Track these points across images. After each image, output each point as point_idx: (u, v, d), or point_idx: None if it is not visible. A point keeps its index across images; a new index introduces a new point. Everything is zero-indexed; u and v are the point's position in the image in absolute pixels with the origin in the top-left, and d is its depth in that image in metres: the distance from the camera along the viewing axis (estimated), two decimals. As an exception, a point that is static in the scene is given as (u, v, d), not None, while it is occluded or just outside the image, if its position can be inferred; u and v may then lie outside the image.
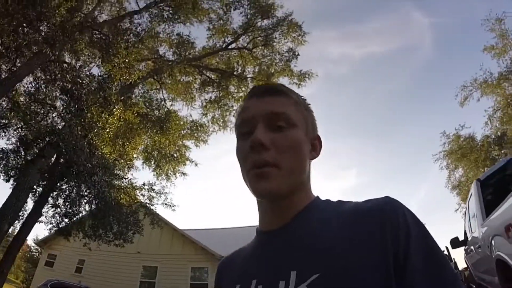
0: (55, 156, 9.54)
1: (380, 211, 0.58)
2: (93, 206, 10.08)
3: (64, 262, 17.14)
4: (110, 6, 11.97)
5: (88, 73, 8.58)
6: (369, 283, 0.51)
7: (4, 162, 10.40)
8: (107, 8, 11.85)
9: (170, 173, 12.86)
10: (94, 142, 8.45)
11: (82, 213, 11.26)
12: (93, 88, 8.14)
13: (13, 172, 10.80)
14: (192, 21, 12.20)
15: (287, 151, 0.65)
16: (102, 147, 8.85)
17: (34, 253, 32.18)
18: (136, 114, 9.73)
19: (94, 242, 10.48)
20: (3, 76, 8.19)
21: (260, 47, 12.76)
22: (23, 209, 9.30)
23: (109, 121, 8.55)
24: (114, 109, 8.59)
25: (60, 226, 11.09)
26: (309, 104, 0.77)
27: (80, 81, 7.84)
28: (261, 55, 12.97)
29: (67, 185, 10.48)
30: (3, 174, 10.67)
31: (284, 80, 12.99)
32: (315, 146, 0.74)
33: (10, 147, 10.21)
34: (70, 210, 11.05)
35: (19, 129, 9.06)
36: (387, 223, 0.56)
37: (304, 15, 26.78)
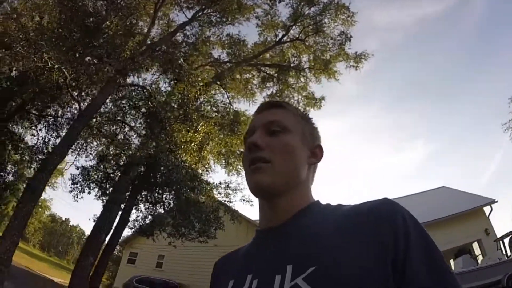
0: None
1: (378, 213, 0.61)
2: (173, 207, 11.34)
3: (145, 259, 19.21)
4: (158, 21, 12.86)
5: (164, 92, 9.53)
6: (367, 276, 0.53)
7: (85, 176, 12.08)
8: (160, 24, 12.81)
9: (240, 168, 13.52)
10: (180, 156, 9.37)
11: (162, 214, 12.71)
12: (174, 106, 9.17)
13: (94, 184, 12.47)
14: (240, 20, 12.74)
15: (280, 151, 0.73)
16: (187, 158, 9.85)
17: (114, 251, 35.61)
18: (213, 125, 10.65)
19: (178, 240, 11.76)
20: (82, 108, 9.50)
21: (311, 35, 12.91)
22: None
23: (191, 135, 9.50)
24: (196, 124, 9.57)
25: (142, 227, 12.61)
26: (311, 118, 0.86)
27: (160, 103, 8.75)
28: (314, 43, 13.14)
29: (149, 192, 11.89)
30: (86, 187, 12.39)
31: (341, 65, 13.12)
32: (315, 154, 0.81)
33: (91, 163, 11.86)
34: (152, 212, 12.55)
35: (116, 157, 10.59)
36: (386, 224, 0.59)
37: None
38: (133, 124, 11.18)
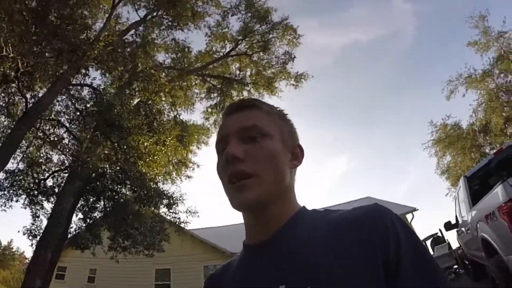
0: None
1: (368, 219, 0.62)
2: (110, 216, 11.04)
3: (75, 273, 18.01)
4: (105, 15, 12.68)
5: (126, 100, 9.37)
6: None
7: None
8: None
9: (175, 177, 13.65)
10: (141, 168, 9.22)
11: (96, 222, 12.27)
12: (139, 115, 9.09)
13: (21, 191, 11.71)
14: (190, 27, 13.08)
15: (263, 161, 0.69)
16: (148, 170, 9.66)
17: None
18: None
19: (120, 254, 11.44)
20: (28, 106, 8.95)
21: (258, 51, 13.79)
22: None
23: (159, 148, 9.40)
24: (163, 137, 9.49)
25: (77, 239, 12.09)
26: (286, 114, 0.82)
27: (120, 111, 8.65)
28: (259, 59, 14.05)
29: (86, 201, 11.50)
30: (14, 194, 11.58)
31: (282, 83, 14.13)
32: (296, 155, 0.78)
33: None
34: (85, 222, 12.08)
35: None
36: (376, 231, 0.60)
37: (282, 4, 27.74)
38: (75, 128, 10.82)
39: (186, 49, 12.83)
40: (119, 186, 9.89)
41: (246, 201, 0.68)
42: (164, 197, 10.31)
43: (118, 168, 9.50)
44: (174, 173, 13.30)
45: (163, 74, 9.89)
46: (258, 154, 0.70)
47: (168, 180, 13.37)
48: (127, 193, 9.98)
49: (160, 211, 11.28)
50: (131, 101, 9.88)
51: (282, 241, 0.69)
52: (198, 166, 14.42)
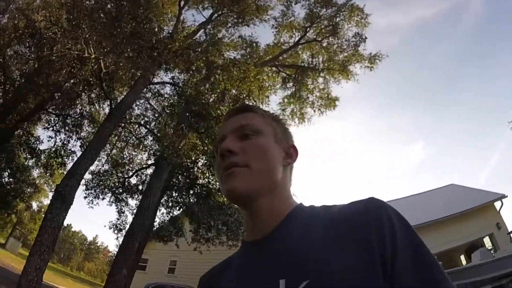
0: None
1: (364, 213, 0.63)
2: (196, 211, 11.59)
3: (156, 265, 19.32)
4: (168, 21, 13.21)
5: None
6: (360, 285, 0.55)
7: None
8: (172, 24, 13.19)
9: None
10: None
11: (178, 216, 12.94)
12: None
13: (107, 190, 12.66)
14: (255, 21, 13.26)
15: (255, 154, 0.73)
16: None
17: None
18: None
19: (203, 245, 12.00)
20: (113, 105, 9.66)
21: (327, 36, 13.51)
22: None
23: None
24: None
25: (160, 232, 12.87)
26: (281, 118, 0.90)
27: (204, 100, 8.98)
28: (330, 44, 13.77)
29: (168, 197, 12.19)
30: (100, 193, 12.56)
31: (356, 66, 13.71)
32: (290, 154, 0.82)
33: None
34: (169, 215, 12.79)
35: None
36: (372, 224, 0.60)
37: None
38: (155, 127, 11.49)
39: (254, 44, 12.94)
40: (208, 175, 10.26)
41: (234, 188, 0.70)
42: None
43: (206, 158, 9.83)
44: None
45: (236, 69, 9.99)
46: (251, 148, 0.74)
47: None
48: (215, 184, 10.31)
49: None
50: (215, 91, 10.17)
51: (281, 237, 0.70)
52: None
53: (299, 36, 13.78)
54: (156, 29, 9.54)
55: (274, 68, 14.18)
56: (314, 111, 14.18)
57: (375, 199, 0.66)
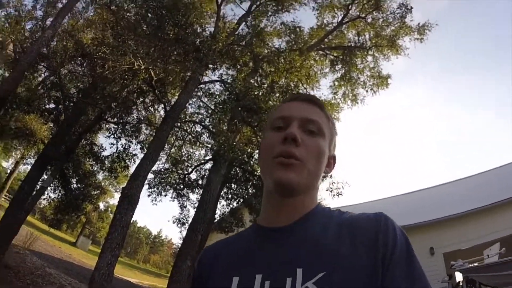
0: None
1: (374, 224, 0.72)
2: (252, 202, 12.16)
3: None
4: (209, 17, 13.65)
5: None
6: (367, 284, 0.64)
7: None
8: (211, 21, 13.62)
9: None
10: None
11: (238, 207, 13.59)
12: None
13: (169, 187, 13.58)
14: (295, 6, 13.32)
15: (312, 154, 0.79)
16: None
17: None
18: None
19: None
20: (167, 108, 10.39)
21: (371, 11, 13.30)
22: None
23: None
24: None
25: (221, 224, 13.63)
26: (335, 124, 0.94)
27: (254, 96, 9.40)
28: (374, 20, 13.55)
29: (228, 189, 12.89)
30: (162, 190, 13.52)
31: (405, 39, 13.43)
32: (330, 164, 0.89)
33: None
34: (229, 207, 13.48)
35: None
36: (380, 235, 0.70)
37: None
38: (209, 124, 12.24)
39: (298, 29, 13.05)
40: None
41: (290, 181, 0.76)
42: None
43: None
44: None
45: (282, 59, 10.24)
46: (312, 147, 0.80)
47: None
48: None
49: None
50: (263, 84, 10.52)
51: (301, 229, 0.77)
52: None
53: (342, 15, 13.67)
54: (199, 30, 10.09)
55: (321, 52, 14.21)
56: (367, 91, 14.05)
57: (384, 215, 0.75)
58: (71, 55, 11.05)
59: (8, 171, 29.05)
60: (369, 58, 13.84)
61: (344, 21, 13.62)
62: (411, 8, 13.02)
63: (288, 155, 0.76)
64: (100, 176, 15.44)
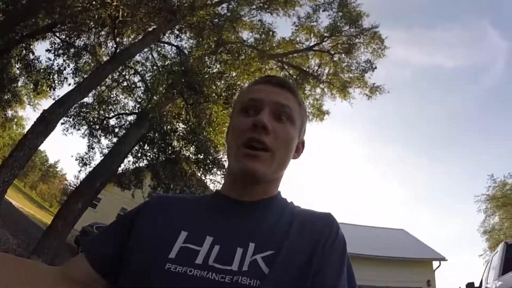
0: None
1: (323, 221, 0.79)
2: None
3: (107, 208, 19.94)
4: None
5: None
6: (302, 267, 0.68)
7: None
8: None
9: None
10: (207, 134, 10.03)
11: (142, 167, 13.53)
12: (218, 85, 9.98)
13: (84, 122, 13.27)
14: (280, 12, 13.58)
15: (281, 142, 0.80)
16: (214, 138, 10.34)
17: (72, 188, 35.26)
18: None
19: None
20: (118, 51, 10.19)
21: (341, 52, 14.14)
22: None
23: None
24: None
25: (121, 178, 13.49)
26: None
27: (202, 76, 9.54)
28: (340, 60, 14.40)
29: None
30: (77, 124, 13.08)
31: (356, 91, 14.45)
32: (299, 149, 0.91)
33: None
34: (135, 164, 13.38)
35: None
36: (325, 229, 0.76)
37: (374, 8, 27.23)
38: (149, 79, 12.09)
39: (271, 32, 13.34)
40: (183, 145, 10.85)
41: (255, 171, 0.76)
42: (220, 167, 10.90)
43: (187, 128, 10.42)
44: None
45: (242, 55, 10.57)
46: (281, 135, 0.80)
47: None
48: (188, 153, 10.90)
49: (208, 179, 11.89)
50: (211, 70, 10.71)
51: (261, 209, 0.81)
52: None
53: (315, 42, 14.37)
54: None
55: (279, 64, 14.70)
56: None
57: (332, 215, 0.81)
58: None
59: None
60: (318, 90, 14.70)
61: (314, 48, 14.33)
62: (375, 67, 14.12)
63: (257, 144, 0.77)
64: (20, 83, 14.49)
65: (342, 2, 13.57)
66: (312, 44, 14.46)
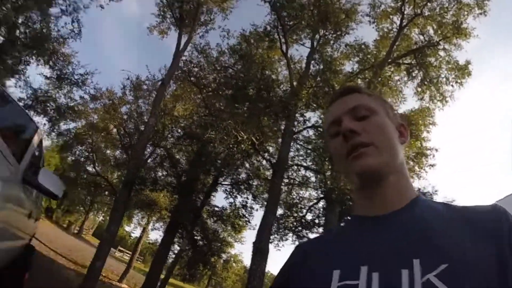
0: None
1: (493, 215, 0.68)
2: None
3: None
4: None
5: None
6: (493, 275, 0.58)
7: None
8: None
9: (419, 171, 13.40)
10: None
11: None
12: None
13: (287, 231, 14.81)
14: (352, 26, 13.34)
15: (376, 132, 0.78)
16: None
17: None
18: None
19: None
20: (272, 161, 11.76)
21: (424, 3, 12.96)
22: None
23: None
24: None
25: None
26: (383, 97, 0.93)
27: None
28: (431, 10, 13.27)
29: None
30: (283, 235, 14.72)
31: (468, 21, 12.98)
32: (402, 133, 0.86)
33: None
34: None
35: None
36: (498, 230, 0.64)
37: None
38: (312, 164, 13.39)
39: (363, 45, 13.29)
40: None
41: (367, 166, 0.74)
42: None
43: None
44: (416, 167, 13.04)
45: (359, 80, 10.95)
46: (371, 127, 0.79)
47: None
48: None
49: None
50: None
51: (408, 217, 0.71)
52: (436, 150, 13.46)
53: (399, 19, 13.65)
54: (277, 89, 11.58)
55: (393, 63, 13.96)
56: (452, 85, 13.54)
57: (499, 206, 0.70)
58: (178, 136, 13.71)
59: (132, 235, 32.77)
60: (441, 53, 13.42)
61: (403, 24, 13.48)
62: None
63: (354, 148, 0.76)
64: (219, 228, 17.44)
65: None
66: (398, 23, 13.71)
